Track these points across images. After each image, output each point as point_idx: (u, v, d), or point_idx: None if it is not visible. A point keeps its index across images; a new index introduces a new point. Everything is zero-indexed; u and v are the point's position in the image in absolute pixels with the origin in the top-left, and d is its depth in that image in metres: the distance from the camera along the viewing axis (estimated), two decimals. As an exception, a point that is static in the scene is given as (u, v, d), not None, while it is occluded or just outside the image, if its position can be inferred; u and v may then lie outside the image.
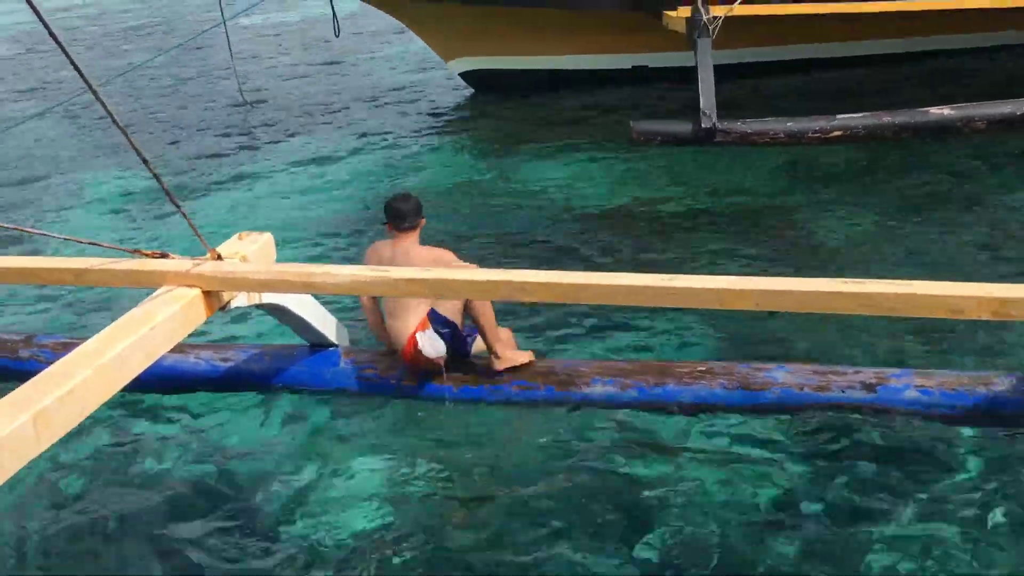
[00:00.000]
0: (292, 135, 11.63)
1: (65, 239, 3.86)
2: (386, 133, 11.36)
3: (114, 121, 2.89)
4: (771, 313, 5.10)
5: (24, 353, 5.33)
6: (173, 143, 11.79)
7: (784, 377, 4.55)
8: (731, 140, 9.47)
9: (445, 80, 13.58)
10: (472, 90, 12.87)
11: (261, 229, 4.42)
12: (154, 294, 3.72)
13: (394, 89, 13.69)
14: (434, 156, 10.47)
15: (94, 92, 2.85)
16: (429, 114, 12.30)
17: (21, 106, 15.48)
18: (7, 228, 4.12)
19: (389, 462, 4.48)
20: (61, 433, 2.98)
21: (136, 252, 3.89)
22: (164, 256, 3.91)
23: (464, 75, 12.76)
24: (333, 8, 12.51)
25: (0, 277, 4.06)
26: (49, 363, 5.38)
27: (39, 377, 3.12)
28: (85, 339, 5.45)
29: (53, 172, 10.84)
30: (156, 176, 3.28)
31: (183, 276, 3.77)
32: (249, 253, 4.07)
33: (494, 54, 12.24)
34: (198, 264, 3.82)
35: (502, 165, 9.73)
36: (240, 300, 4.06)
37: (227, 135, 11.98)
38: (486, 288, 3.81)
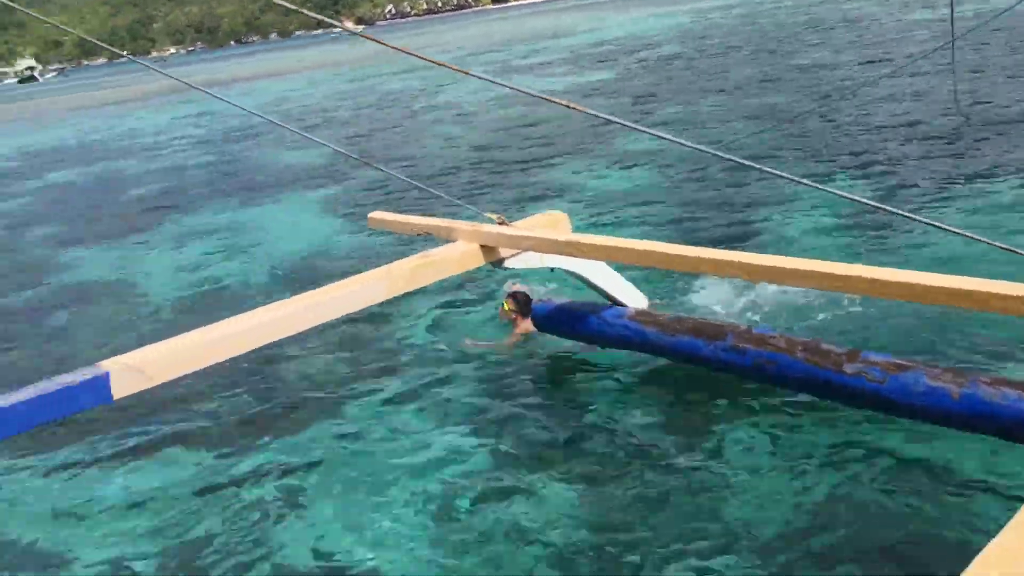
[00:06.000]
0: (1006, 155, 10.03)
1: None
2: None
3: None
4: None
5: (850, 368, 4.96)
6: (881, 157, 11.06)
7: None
8: None
9: None
10: None
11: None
12: None
13: None
14: None
15: None
16: None
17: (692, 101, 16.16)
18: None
19: None
20: None
21: None
22: None
23: None
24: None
25: (927, 296, 3.59)
26: (878, 383, 5.09)
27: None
28: (917, 361, 5.06)
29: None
30: None
31: None
32: None
33: None
34: None
35: None
36: None
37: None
38: None
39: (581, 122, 16.61)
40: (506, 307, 7.05)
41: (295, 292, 5.07)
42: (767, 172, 3.48)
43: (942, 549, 3.92)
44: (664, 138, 3.47)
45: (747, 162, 3.46)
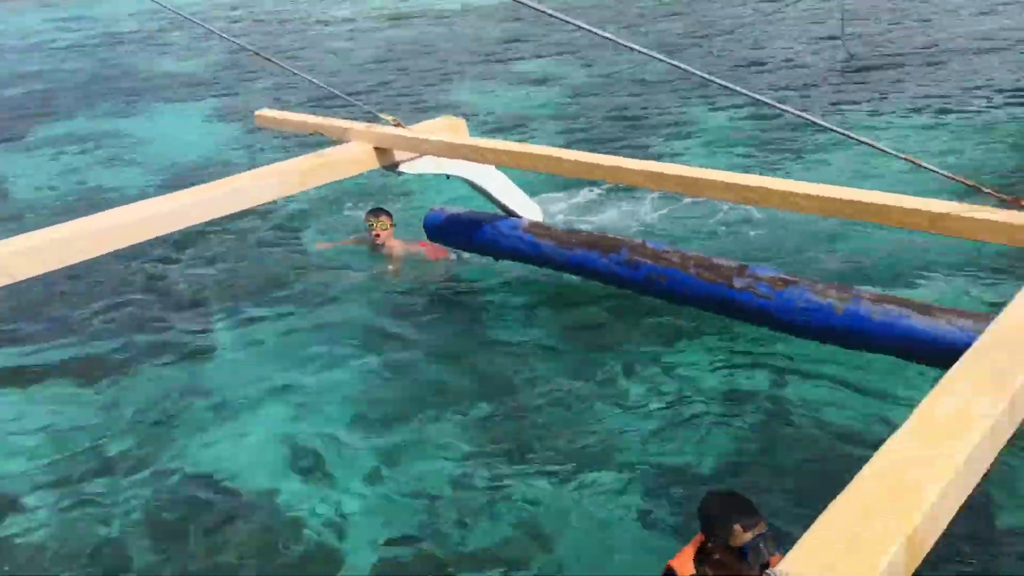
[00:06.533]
0: (893, 87, 10.34)
1: (929, 169, 3.23)
2: (1008, 94, 9.64)
3: None
4: None
5: (739, 283, 5.03)
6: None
7: None
8: None
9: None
10: None
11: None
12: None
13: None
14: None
15: None
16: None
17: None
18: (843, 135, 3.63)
19: None
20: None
21: (1013, 201, 3.20)
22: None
23: None
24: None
25: (832, 209, 3.60)
26: (765, 298, 5.16)
27: (974, 352, 2.51)
28: (803, 277, 5.13)
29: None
30: None
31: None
32: None
33: None
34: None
35: None
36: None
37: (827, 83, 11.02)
38: None
39: (482, 41, 16.29)
40: (376, 225, 6.78)
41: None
42: (686, 70, 3.38)
43: (819, 474, 4.02)
44: (599, 34, 3.33)
45: (678, 64, 3.37)
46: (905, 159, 3.22)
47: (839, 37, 12.64)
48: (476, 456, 4.41)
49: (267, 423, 4.86)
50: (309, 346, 5.62)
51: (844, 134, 3.44)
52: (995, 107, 9.33)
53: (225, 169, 9.21)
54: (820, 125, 3.49)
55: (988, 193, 3.21)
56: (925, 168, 3.22)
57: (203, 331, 5.96)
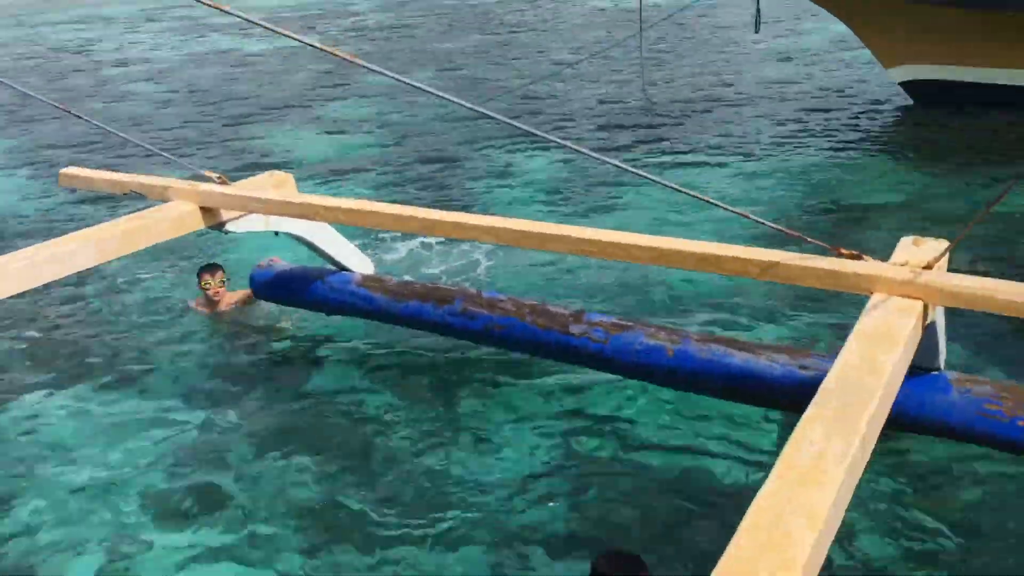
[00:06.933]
0: (694, 133, 11.05)
1: (758, 221, 3.44)
2: (799, 138, 10.50)
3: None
4: None
5: (575, 329, 5.14)
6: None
7: None
8: None
9: (879, 88, 12.50)
10: (911, 102, 11.72)
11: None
12: (870, 305, 3.25)
13: (814, 91, 12.83)
14: (854, 171, 9.38)
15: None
16: (852, 124, 11.17)
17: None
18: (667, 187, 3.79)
19: None
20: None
21: (834, 249, 3.46)
22: (859, 258, 3.45)
23: (906, 84, 11.64)
24: (758, 3, 11.85)
25: (668, 259, 3.75)
26: (601, 343, 5.28)
27: (823, 396, 2.67)
28: (636, 321, 5.30)
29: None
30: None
31: (901, 286, 3.28)
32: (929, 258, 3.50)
33: (949, 63, 11.03)
34: (918, 274, 3.31)
35: (940, 188, 8.54)
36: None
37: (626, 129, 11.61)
38: None
39: (293, 84, 15.99)
40: (213, 283, 6.49)
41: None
42: (506, 123, 3.44)
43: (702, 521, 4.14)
44: (419, 87, 3.32)
45: (502, 118, 3.41)
46: (736, 213, 3.41)
47: (643, 90, 13.32)
48: (325, 522, 4.25)
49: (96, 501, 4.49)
50: (149, 421, 5.28)
51: (679, 189, 3.60)
52: (788, 152, 10.09)
53: (23, 229, 8.56)
54: (646, 178, 3.63)
55: (810, 242, 3.45)
56: (755, 220, 3.42)
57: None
